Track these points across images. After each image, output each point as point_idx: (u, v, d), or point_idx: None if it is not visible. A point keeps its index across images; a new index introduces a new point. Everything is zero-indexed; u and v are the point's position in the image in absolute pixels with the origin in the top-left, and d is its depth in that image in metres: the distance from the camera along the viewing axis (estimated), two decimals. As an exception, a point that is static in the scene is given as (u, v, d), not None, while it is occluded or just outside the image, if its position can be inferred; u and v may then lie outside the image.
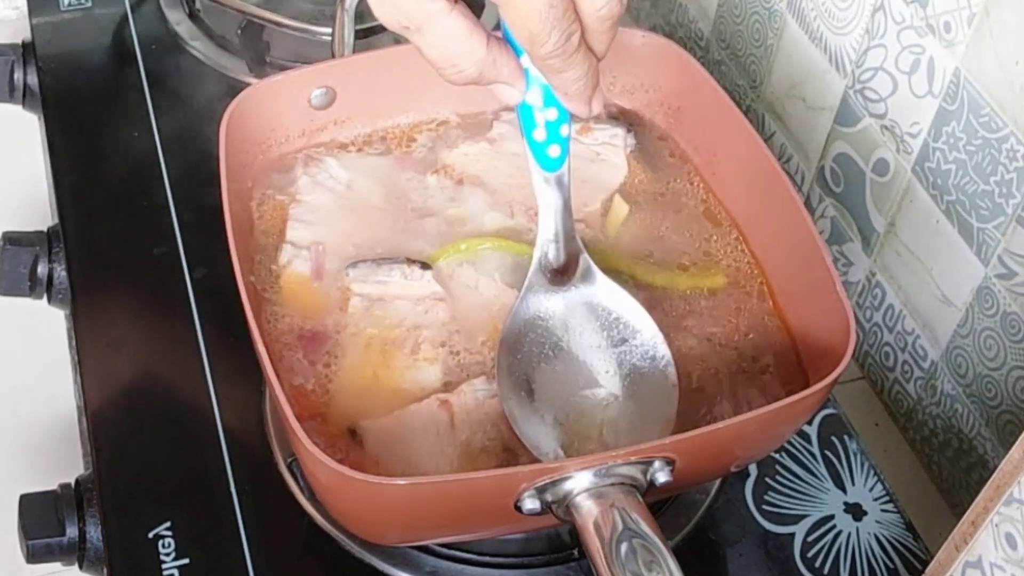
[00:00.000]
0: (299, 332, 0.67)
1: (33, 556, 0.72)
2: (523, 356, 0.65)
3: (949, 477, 0.85)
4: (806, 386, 0.61)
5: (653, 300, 0.70)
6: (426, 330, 0.67)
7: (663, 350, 0.65)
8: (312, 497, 0.72)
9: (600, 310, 0.66)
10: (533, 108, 0.58)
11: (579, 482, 0.57)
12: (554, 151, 0.60)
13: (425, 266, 0.69)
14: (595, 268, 0.66)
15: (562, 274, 0.65)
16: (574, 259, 0.65)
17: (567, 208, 0.63)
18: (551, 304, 0.65)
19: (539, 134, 0.59)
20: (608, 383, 0.64)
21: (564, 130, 0.59)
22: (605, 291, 0.66)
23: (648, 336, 0.65)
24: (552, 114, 0.58)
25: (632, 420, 0.64)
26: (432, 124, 0.78)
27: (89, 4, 1.06)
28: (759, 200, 0.71)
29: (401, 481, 0.57)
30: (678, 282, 0.71)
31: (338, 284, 0.69)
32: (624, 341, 0.65)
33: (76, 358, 0.81)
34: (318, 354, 0.66)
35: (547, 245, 0.64)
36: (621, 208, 0.75)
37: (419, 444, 0.63)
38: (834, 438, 0.80)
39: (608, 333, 0.66)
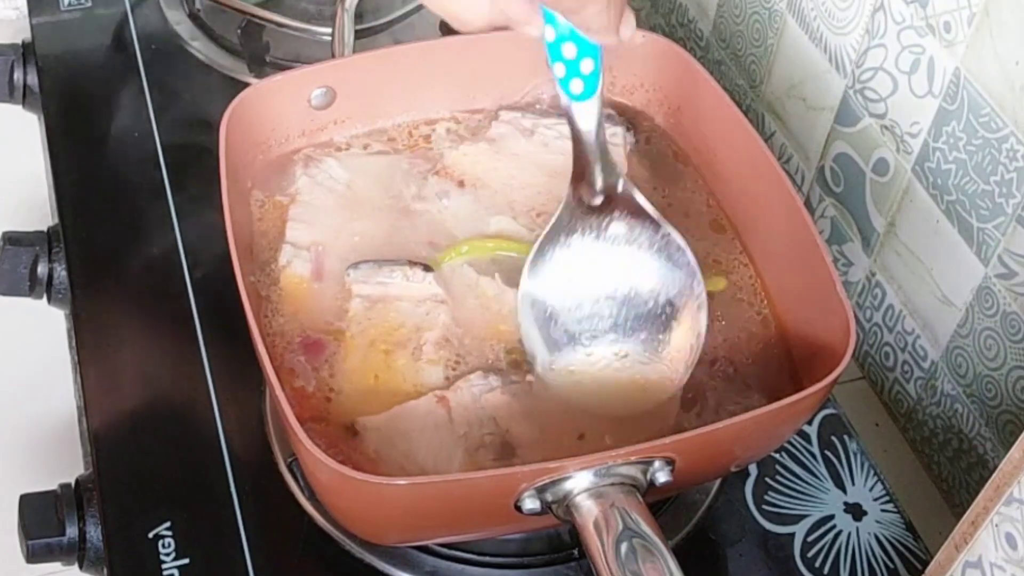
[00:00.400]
0: (301, 337, 0.67)
1: (33, 556, 0.72)
2: (544, 288, 0.65)
3: (949, 477, 0.85)
4: (800, 388, 0.61)
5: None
6: (428, 332, 0.67)
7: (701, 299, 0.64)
8: (312, 497, 0.71)
9: (643, 240, 0.65)
10: (552, 44, 0.57)
11: (579, 482, 0.57)
12: (576, 86, 0.59)
13: (427, 268, 0.69)
14: (641, 200, 0.64)
15: (599, 210, 0.64)
16: (612, 190, 0.64)
17: (597, 139, 0.62)
18: (579, 242, 0.65)
19: (559, 70, 0.59)
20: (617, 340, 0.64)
21: (586, 65, 0.58)
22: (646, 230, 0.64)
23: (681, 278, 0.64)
24: (570, 50, 0.57)
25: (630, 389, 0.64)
26: (432, 124, 0.78)
27: (89, 4, 1.06)
28: (759, 200, 0.71)
29: (401, 481, 0.57)
30: None
31: (338, 285, 0.69)
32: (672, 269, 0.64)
33: (76, 358, 0.81)
34: (319, 359, 0.66)
35: (577, 177, 0.63)
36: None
37: (417, 440, 0.63)
38: (834, 438, 0.80)
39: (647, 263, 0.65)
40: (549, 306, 0.65)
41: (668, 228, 0.65)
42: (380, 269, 0.69)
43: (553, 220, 0.65)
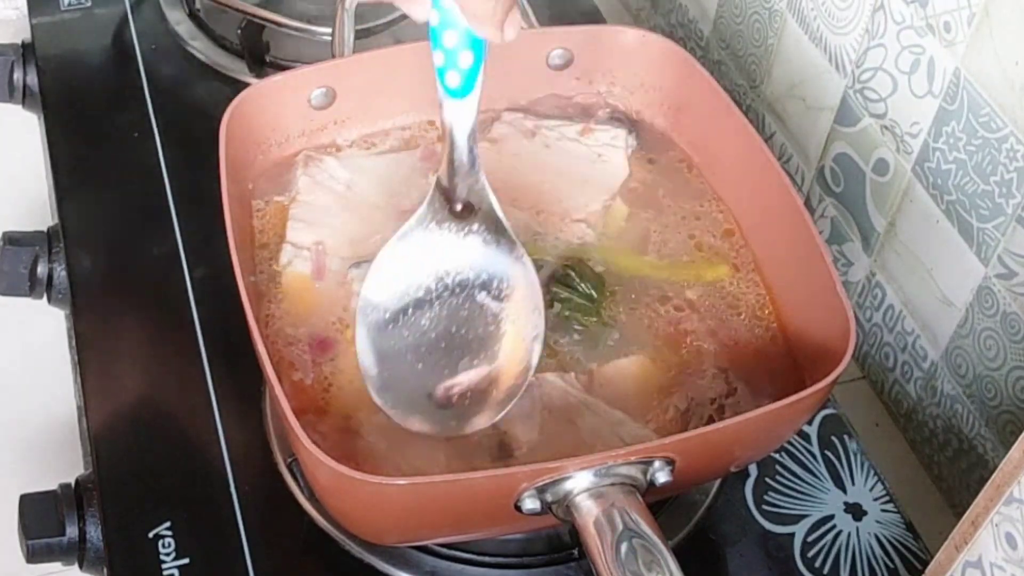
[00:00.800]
0: (309, 336, 0.67)
1: (33, 556, 0.72)
2: (392, 293, 0.62)
3: (949, 477, 0.85)
4: (803, 387, 0.61)
5: (652, 296, 0.70)
6: None
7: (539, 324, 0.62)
8: (312, 497, 0.71)
9: (490, 258, 0.62)
10: (435, 29, 0.55)
11: (579, 482, 0.57)
12: (452, 79, 0.57)
13: None
14: (500, 216, 0.61)
15: (461, 215, 0.61)
16: (476, 198, 0.61)
17: (468, 144, 0.59)
18: (437, 239, 0.62)
19: (438, 58, 0.56)
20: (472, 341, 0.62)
21: (465, 58, 0.56)
22: (500, 247, 0.62)
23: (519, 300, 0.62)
24: (451, 38, 0.55)
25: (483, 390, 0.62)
26: (432, 124, 0.78)
27: (89, 4, 1.06)
28: (759, 200, 0.71)
29: (401, 481, 0.57)
30: (681, 274, 0.71)
31: (339, 284, 0.69)
32: (504, 299, 0.62)
33: (76, 358, 0.81)
34: (324, 357, 0.66)
35: (442, 173, 0.60)
36: (621, 209, 0.75)
37: (416, 443, 0.63)
38: (834, 438, 0.80)
39: (490, 289, 0.62)
40: (386, 310, 0.62)
41: (522, 251, 0.62)
42: None
43: (415, 216, 0.61)
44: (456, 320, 0.63)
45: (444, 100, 0.58)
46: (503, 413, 0.63)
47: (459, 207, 0.61)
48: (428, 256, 0.62)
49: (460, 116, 0.58)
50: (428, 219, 0.61)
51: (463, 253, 0.62)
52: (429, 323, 0.62)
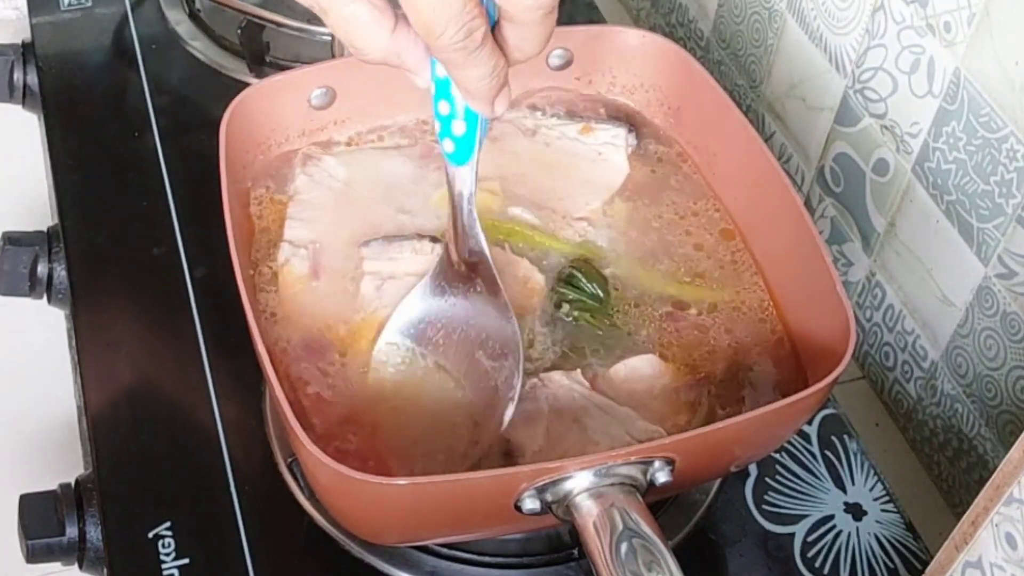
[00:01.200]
0: (304, 341, 0.67)
1: (33, 556, 0.72)
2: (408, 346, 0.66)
3: (949, 477, 0.85)
4: (806, 386, 0.61)
5: (653, 296, 0.70)
6: None
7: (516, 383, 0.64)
8: (312, 497, 0.71)
9: (489, 318, 0.65)
10: (435, 97, 0.57)
11: (579, 482, 0.57)
12: (447, 145, 0.59)
13: (435, 239, 0.69)
14: (498, 280, 0.64)
15: (465, 277, 0.65)
16: (479, 261, 0.64)
17: (469, 207, 0.62)
18: (447, 298, 0.65)
19: (436, 125, 0.59)
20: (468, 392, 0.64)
21: (457, 127, 0.58)
22: (496, 307, 0.65)
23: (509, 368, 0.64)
24: (444, 108, 0.57)
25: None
26: (432, 124, 0.78)
27: (89, 4, 1.06)
28: (759, 200, 0.71)
29: (401, 481, 0.57)
30: (687, 293, 0.71)
31: (337, 282, 0.69)
32: (497, 358, 0.65)
33: (76, 358, 0.81)
34: (324, 359, 0.66)
35: (448, 236, 0.64)
36: (621, 209, 0.75)
37: (419, 447, 0.63)
38: (834, 438, 0.80)
39: (487, 348, 0.65)
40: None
41: (511, 312, 0.64)
42: (390, 245, 0.70)
43: (427, 276, 0.66)
44: (455, 371, 0.65)
45: (446, 165, 0.61)
46: (470, 461, 0.63)
47: (462, 267, 0.64)
48: (437, 313, 0.66)
49: (460, 182, 0.61)
50: (439, 278, 0.66)
51: (467, 308, 0.65)
52: (429, 372, 0.66)
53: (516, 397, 0.63)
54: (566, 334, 0.69)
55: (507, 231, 0.72)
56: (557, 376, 0.66)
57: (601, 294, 0.70)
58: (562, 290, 0.70)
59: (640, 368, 0.67)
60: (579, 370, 0.67)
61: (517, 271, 0.70)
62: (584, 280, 0.70)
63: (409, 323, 0.66)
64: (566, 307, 0.69)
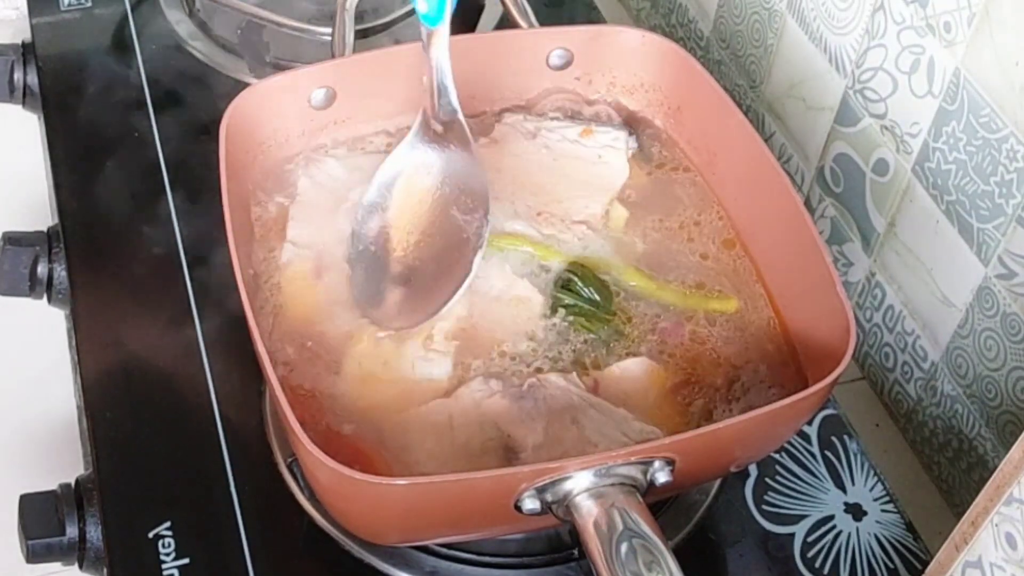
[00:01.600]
0: (305, 340, 0.67)
1: (33, 556, 0.72)
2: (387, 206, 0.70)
3: (949, 477, 0.85)
4: (806, 387, 0.61)
5: (652, 299, 0.70)
6: (441, 321, 0.67)
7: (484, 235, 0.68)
8: (312, 497, 0.72)
9: (461, 177, 0.70)
10: None
11: (579, 482, 0.57)
12: (421, 6, 0.65)
13: None
14: (469, 136, 0.69)
15: (441, 137, 0.70)
16: (452, 119, 0.69)
17: (446, 67, 0.67)
18: (426, 156, 0.70)
19: None
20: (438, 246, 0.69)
21: None
22: (468, 162, 0.70)
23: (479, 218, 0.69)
24: None
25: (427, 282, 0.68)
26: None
27: (89, 4, 1.06)
28: (759, 200, 0.71)
29: (401, 481, 0.57)
30: (688, 302, 0.71)
31: (339, 283, 0.69)
32: (468, 212, 0.69)
33: (76, 358, 0.81)
34: (324, 360, 0.66)
35: (425, 99, 0.69)
36: (621, 212, 0.75)
37: (418, 449, 0.63)
38: (834, 438, 0.80)
39: (460, 204, 0.69)
40: (377, 205, 0.71)
41: (481, 169, 0.69)
42: None
43: (405, 139, 0.70)
44: (431, 225, 0.69)
45: (423, 31, 0.66)
46: (444, 309, 0.67)
47: (438, 127, 0.69)
48: (415, 169, 0.70)
49: (434, 42, 0.66)
50: (417, 137, 0.70)
51: (444, 167, 0.70)
52: (408, 222, 0.70)
53: (484, 244, 0.68)
54: (563, 338, 0.69)
55: (508, 241, 0.72)
56: (554, 378, 0.66)
57: (598, 298, 0.69)
58: (559, 295, 0.70)
59: (633, 369, 0.67)
60: (575, 372, 0.67)
61: (517, 291, 0.70)
62: (581, 285, 0.70)
63: (391, 178, 0.70)
64: (562, 312, 0.69)
